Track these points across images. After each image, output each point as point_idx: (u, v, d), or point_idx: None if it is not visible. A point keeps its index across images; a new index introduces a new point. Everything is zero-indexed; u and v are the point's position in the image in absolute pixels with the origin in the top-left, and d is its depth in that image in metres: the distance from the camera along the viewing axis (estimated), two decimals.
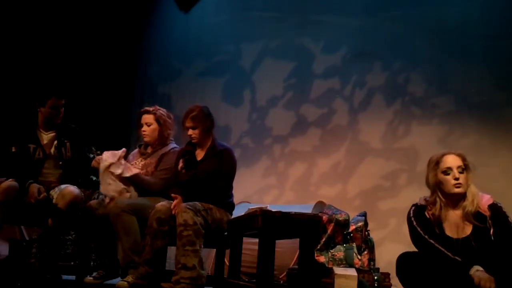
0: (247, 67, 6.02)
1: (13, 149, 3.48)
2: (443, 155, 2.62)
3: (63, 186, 3.42)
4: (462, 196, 2.56)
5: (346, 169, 5.25)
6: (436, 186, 2.61)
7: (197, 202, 3.14)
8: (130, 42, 6.59)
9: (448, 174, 2.56)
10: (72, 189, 3.34)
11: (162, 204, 3.19)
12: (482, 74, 4.79)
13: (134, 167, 3.47)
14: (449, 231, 2.57)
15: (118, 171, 3.35)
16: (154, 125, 3.64)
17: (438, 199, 2.59)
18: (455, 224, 2.56)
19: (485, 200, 2.57)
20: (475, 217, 2.52)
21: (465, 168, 2.58)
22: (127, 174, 3.38)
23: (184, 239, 2.97)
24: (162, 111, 3.71)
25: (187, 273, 2.93)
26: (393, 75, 5.20)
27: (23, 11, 5.53)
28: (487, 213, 2.52)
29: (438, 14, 5.06)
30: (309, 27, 5.68)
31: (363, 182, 5.11)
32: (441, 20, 5.03)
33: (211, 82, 6.17)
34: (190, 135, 3.38)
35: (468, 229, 2.53)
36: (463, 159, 2.60)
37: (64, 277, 3.65)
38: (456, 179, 2.54)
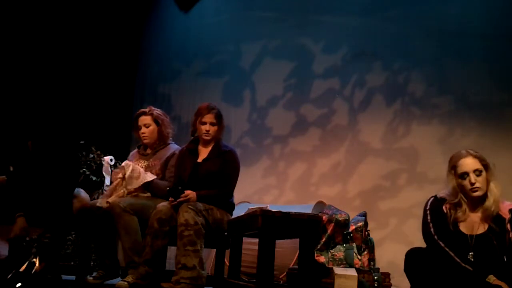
0: (247, 67, 6.02)
1: (11, 168, 3.47)
2: (459, 158, 2.59)
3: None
4: (483, 198, 2.55)
5: (346, 169, 5.25)
6: (457, 189, 2.59)
7: (198, 202, 3.13)
8: (130, 42, 6.59)
9: (465, 179, 2.55)
10: (83, 195, 3.37)
11: (163, 204, 3.19)
12: (482, 74, 4.79)
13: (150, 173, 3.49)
14: (464, 228, 2.56)
15: (148, 178, 3.40)
16: (153, 126, 3.63)
17: (462, 201, 2.58)
18: (471, 223, 2.56)
19: (506, 204, 2.57)
20: (494, 219, 2.51)
21: (484, 169, 2.56)
22: (149, 179, 3.40)
23: (185, 239, 2.97)
24: (157, 111, 3.70)
25: (187, 273, 2.93)
26: (393, 75, 5.20)
27: (24, 12, 5.53)
28: (507, 216, 2.51)
29: (438, 14, 5.06)
30: (309, 27, 5.68)
31: (363, 182, 5.11)
32: (441, 20, 5.03)
33: (211, 82, 6.17)
34: (208, 130, 3.37)
35: (484, 228, 2.53)
36: (481, 160, 2.58)
37: (64, 277, 3.64)
38: (472, 184, 2.53)
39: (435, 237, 2.53)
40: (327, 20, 5.60)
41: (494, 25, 4.81)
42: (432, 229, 2.56)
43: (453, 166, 2.59)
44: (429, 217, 2.61)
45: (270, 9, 5.95)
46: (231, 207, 3.41)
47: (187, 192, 3.16)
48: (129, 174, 3.40)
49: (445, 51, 4.97)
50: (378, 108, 5.22)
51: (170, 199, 3.17)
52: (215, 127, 3.39)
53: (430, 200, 2.67)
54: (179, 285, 2.90)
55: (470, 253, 2.50)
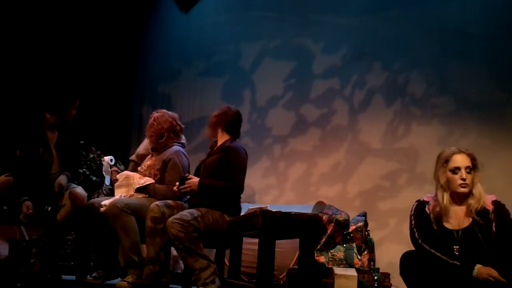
0: (247, 67, 6.02)
1: (17, 153, 3.49)
2: (453, 153, 2.65)
3: (71, 186, 3.45)
4: (468, 194, 2.60)
5: (346, 169, 5.25)
6: (444, 183, 2.63)
7: (185, 212, 3.11)
8: (130, 43, 6.59)
9: (456, 174, 2.61)
10: (80, 191, 3.41)
11: (155, 203, 3.22)
12: (482, 74, 4.79)
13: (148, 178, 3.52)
14: (449, 224, 2.61)
15: (141, 181, 3.46)
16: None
17: (443, 194, 2.62)
18: (456, 218, 2.61)
19: (490, 197, 2.63)
20: (478, 212, 2.56)
21: (472, 168, 2.62)
22: (144, 182, 3.46)
23: (186, 250, 3.01)
24: (158, 113, 3.67)
25: (208, 272, 3.00)
26: (393, 75, 5.20)
27: (23, 13, 5.53)
28: (491, 207, 2.57)
29: (438, 14, 5.06)
30: (309, 27, 5.68)
31: (363, 182, 5.11)
32: (441, 20, 5.03)
33: (211, 82, 6.17)
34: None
35: (468, 221, 2.58)
36: (472, 159, 2.64)
37: (64, 277, 3.65)
38: (463, 179, 2.59)
39: (419, 241, 2.59)
40: (327, 20, 5.60)
41: (494, 25, 4.81)
42: (416, 234, 2.63)
43: (446, 160, 2.64)
44: (413, 222, 2.68)
45: (270, 9, 5.95)
46: (233, 209, 3.35)
47: (189, 182, 3.22)
48: (119, 182, 3.49)
49: (445, 51, 4.97)
50: (378, 108, 5.22)
51: (176, 186, 3.25)
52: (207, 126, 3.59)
53: (414, 205, 2.74)
54: (209, 286, 2.97)
55: (455, 247, 2.54)
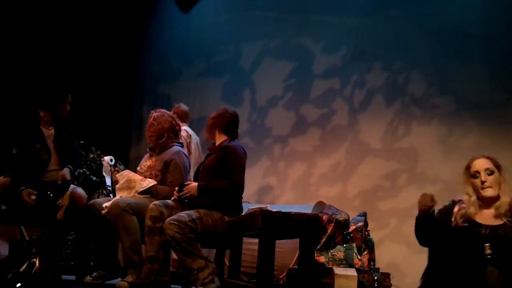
0: (247, 67, 6.02)
1: (14, 151, 3.49)
2: (473, 159, 2.69)
3: (71, 187, 3.45)
4: (495, 198, 2.60)
5: (346, 169, 5.25)
6: (468, 190, 2.67)
7: (183, 214, 3.11)
8: (130, 43, 6.59)
9: (476, 178, 2.63)
10: (81, 192, 3.41)
11: (153, 203, 3.21)
12: (482, 74, 4.80)
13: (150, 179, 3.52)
14: (480, 219, 2.59)
15: (144, 184, 3.46)
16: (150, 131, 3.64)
17: (469, 199, 2.63)
18: (486, 218, 2.59)
19: None
20: (510, 214, 2.55)
21: (495, 170, 2.63)
22: (141, 188, 3.45)
23: (183, 250, 3.01)
24: (158, 113, 3.65)
25: (206, 273, 2.99)
26: (393, 75, 5.21)
27: (24, 12, 5.53)
28: None
29: (438, 14, 5.06)
30: (309, 27, 5.69)
31: (363, 182, 5.11)
32: (441, 20, 5.03)
33: (211, 82, 6.18)
34: None
35: (498, 223, 2.56)
36: (493, 161, 2.66)
37: (64, 277, 3.65)
38: (483, 182, 2.60)
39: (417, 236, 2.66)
40: (327, 20, 5.61)
41: (494, 25, 4.81)
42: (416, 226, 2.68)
43: (467, 167, 2.68)
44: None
45: (270, 9, 5.95)
46: (233, 210, 3.31)
47: (188, 187, 3.21)
48: (120, 185, 3.47)
49: (445, 51, 4.98)
50: (378, 108, 5.23)
51: (175, 194, 3.24)
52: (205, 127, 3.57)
53: (449, 204, 2.74)
54: (208, 285, 2.96)
55: (486, 245, 2.48)
